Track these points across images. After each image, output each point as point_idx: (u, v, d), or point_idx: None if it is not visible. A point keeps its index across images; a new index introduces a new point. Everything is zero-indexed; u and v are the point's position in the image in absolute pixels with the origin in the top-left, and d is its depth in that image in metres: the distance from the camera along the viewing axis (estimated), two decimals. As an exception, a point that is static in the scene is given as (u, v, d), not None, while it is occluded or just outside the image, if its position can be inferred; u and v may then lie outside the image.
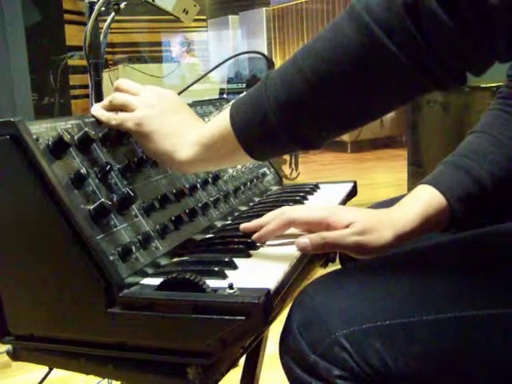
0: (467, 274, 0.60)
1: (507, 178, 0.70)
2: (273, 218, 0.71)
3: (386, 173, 4.93)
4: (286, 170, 4.15)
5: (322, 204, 0.93)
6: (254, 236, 0.71)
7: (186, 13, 1.19)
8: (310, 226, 0.70)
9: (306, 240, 0.66)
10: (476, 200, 0.69)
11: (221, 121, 0.64)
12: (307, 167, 5.03)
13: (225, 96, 4.59)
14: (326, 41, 0.55)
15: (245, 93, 0.63)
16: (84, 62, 1.19)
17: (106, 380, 1.37)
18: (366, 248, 0.65)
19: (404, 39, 0.50)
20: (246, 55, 4.72)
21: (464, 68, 0.52)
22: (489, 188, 0.69)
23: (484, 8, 0.46)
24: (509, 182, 0.70)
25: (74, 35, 3.82)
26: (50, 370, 1.08)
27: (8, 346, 0.67)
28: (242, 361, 1.05)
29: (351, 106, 0.57)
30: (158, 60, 5.08)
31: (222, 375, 0.59)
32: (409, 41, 0.50)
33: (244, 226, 0.73)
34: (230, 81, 5.11)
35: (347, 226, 0.66)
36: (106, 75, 1.19)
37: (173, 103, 0.72)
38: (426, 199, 0.69)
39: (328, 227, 0.67)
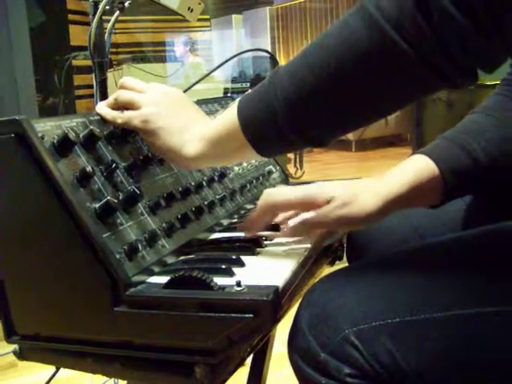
0: (478, 270, 0.60)
1: (502, 159, 0.69)
2: (257, 209, 0.70)
3: (390, 171, 4.91)
4: (291, 168, 4.14)
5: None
6: (239, 226, 0.71)
7: (191, 11, 1.19)
8: (293, 207, 0.69)
9: (289, 227, 0.65)
10: (469, 174, 0.68)
11: (228, 117, 0.64)
12: (312, 166, 5.02)
13: (229, 95, 4.58)
14: (335, 38, 0.55)
15: (253, 89, 0.63)
16: (88, 62, 1.19)
17: (112, 380, 1.37)
18: (351, 219, 0.64)
19: (414, 36, 0.49)
20: (251, 54, 4.72)
21: (475, 65, 0.52)
22: (483, 165, 0.68)
23: (495, 3, 0.46)
24: (502, 163, 0.70)
25: (78, 35, 3.82)
26: (57, 369, 1.07)
27: (15, 346, 0.67)
28: (248, 360, 1.04)
29: (360, 103, 0.57)
30: (162, 60, 5.09)
31: (230, 374, 0.58)
32: (419, 37, 0.49)
33: (239, 226, 0.73)
34: (234, 80, 5.11)
35: (329, 201, 0.64)
36: (110, 75, 1.19)
37: (178, 100, 0.72)
38: (418, 167, 0.68)
39: (311, 205, 0.66)
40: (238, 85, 5.00)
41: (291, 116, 0.58)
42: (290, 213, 0.71)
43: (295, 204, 0.68)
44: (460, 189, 0.69)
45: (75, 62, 3.65)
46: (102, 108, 0.71)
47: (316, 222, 0.65)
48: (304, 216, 0.65)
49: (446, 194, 0.68)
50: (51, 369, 1.11)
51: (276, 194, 0.69)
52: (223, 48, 6.37)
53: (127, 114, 0.70)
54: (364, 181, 0.68)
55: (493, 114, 0.73)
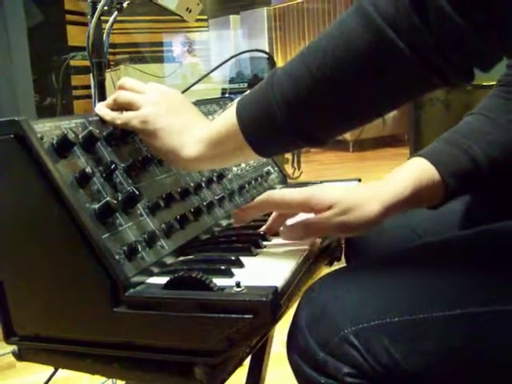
0: (477, 270, 0.60)
1: (503, 160, 0.70)
2: (256, 201, 0.70)
3: (388, 171, 4.90)
4: (289, 169, 4.15)
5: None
6: (234, 218, 0.71)
7: (189, 11, 1.19)
8: (293, 208, 0.69)
9: (289, 230, 0.66)
10: (470, 176, 0.68)
11: (227, 118, 0.64)
12: (309, 166, 5.02)
13: (227, 96, 4.58)
14: (333, 38, 0.55)
15: (252, 89, 0.63)
16: (86, 63, 1.19)
17: (110, 380, 1.37)
18: (352, 226, 0.64)
19: (411, 35, 0.50)
20: (248, 55, 4.72)
21: (472, 64, 0.52)
22: (484, 168, 0.69)
23: (492, 3, 0.46)
24: (504, 165, 0.70)
25: (75, 36, 3.82)
26: (56, 370, 1.07)
27: (14, 347, 0.67)
28: (246, 360, 1.04)
29: (358, 103, 0.57)
30: (160, 60, 5.09)
31: (229, 374, 0.58)
32: (416, 37, 0.49)
33: (234, 213, 0.73)
34: (231, 81, 5.11)
35: (330, 207, 0.64)
36: (107, 76, 1.19)
37: (178, 101, 0.72)
38: (419, 170, 0.67)
39: (311, 209, 0.66)
40: (236, 85, 5.00)
41: (290, 117, 0.58)
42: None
43: (295, 205, 0.68)
44: (460, 190, 0.69)
45: (73, 63, 3.64)
46: (101, 109, 0.71)
47: (316, 227, 0.65)
48: (304, 218, 0.65)
49: (446, 195, 0.68)
50: (49, 369, 1.11)
51: (277, 193, 0.69)
52: (221, 48, 6.36)
53: (126, 114, 0.70)
54: (365, 186, 0.68)
55: (492, 117, 0.73)
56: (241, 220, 0.74)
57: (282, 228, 0.67)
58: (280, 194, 0.69)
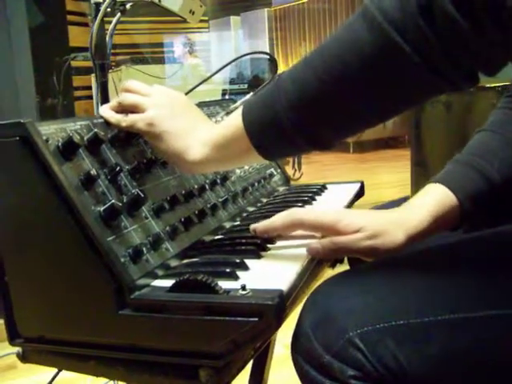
0: (481, 273, 0.60)
1: None
2: (282, 217, 0.70)
3: (389, 173, 4.92)
4: (289, 170, 4.15)
5: (331, 207, 0.92)
6: (259, 229, 0.70)
7: (193, 13, 1.19)
8: (318, 230, 0.69)
9: (317, 245, 0.65)
10: (486, 199, 0.69)
11: (233, 121, 0.64)
12: (310, 168, 5.02)
13: (227, 97, 4.59)
14: (339, 41, 0.55)
15: (256, 93, 0.63)
16: (87, 64, 1.20)
17: (112, 382, 1.37)
18: (378, 251, 0.65)
19: (418, 39, 0.50)
20: (248, 56, 4.72)
21: (477, 68, 0.52)
22: (499, 187, 0.69)
23: (499, 9, 0.46)
24: None
25: (77, 36, 3.82)
26: (59, 371, 1.07)
27: (17, 348, 0.67)
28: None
29: (363, 107, 0.57)
30: (161, 61, 5.09)
31: (233, 377, 0.58)
32: (422, 41, 0.50)
33: (254, 226, 0.73)
34: (232, 82, 5.12)
35: (357, 231, 0.65)
36: (108, 76, 1.19)
37: (182, 103, 0.72)
38: (438, 198, 0.68)
39: (337, 233, 0.66)
40: (236, 86, 5.01)
41: (296, 120, 0.58)
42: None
43: (323, 227, 0.68)
44: (477, 213, 0.69)
45: (74, 63, 3.64)
46: (106, 111, 0.72)
47: (344, 247, 0.65)
48: (335, 239, 0.66)
49: (463, 219, 0.69)
50: (50, 371, 1.11)
51: (306, 212, 0.69)
52: (221, 49, 6.37)
53: (131, 117, 0.70)
54: (389, 213, 0.69)
55: (502, 133, 0.73)
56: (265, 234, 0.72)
57: (310, 244, 0.67)
58: (307, 215, 0.68)
